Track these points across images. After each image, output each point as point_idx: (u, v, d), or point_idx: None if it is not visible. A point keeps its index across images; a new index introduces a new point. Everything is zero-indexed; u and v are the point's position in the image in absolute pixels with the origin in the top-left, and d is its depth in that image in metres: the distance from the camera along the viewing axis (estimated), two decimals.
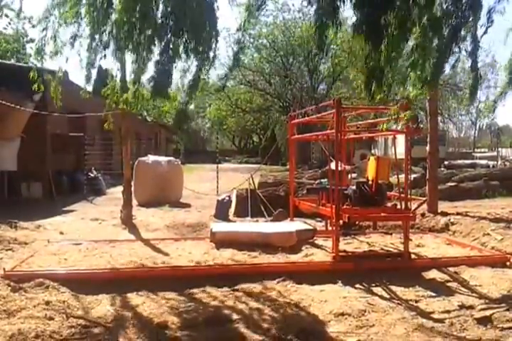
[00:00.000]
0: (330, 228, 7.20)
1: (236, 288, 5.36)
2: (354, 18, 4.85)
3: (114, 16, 5.08)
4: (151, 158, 14.10)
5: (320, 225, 8.42)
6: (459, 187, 14.05)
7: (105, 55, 5.42)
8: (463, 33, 4.79)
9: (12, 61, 24.33)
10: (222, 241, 7.09)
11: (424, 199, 9.94)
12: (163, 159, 14.44)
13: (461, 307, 4.81)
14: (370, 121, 8.40)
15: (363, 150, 23.69)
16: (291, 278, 5.59)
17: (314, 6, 4.83)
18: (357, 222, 8.77)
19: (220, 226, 7.90)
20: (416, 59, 4.76)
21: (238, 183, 12.34)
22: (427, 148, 10.53)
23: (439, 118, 27.52)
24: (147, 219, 10.24)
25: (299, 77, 34.34)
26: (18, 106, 12.10)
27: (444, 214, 9.58)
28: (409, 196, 6.65)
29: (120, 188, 10.16)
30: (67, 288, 5.15)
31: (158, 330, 4.23)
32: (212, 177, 17.11)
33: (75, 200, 13.92)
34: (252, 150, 53.79)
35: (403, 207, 6.53)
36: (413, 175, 11.23)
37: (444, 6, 4.74)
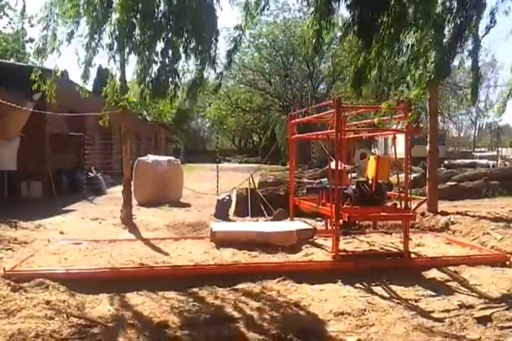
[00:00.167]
0: (330, 227, 7.20)
1: (236, 287, 5.37)
2: (348, 18, 4.87)
3: (114, 16, 5.09)
4: (150, 157, 14.10)
5: (320, 225, 8.41)
6: (458, 186, 14.06)
7: (105, 54, 5.44)
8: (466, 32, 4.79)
9: (12, 60, 24.34)
10: (222, 241, 7.09)
11: (424, 198, 9.96)
12: (163, 159, 14.43)
13: (461, 306, 4.80)
14: (370, 120, 8.40)
15: (363, 149, 23.67)
16: (291, 278, 5.58)
17: (312, 9, 4.84)
18: (357, 222, 8.76)
19: (220, 226, 7.91)
20: (416, 57, 4.75)
21: (238, 183, 12.33)
22: (427, 147, 10.53)
23: (439, 117, 27.55)
24: (147, 218, 10.24)
25: (299, 77, 34.33)
26: (18, 106, 12.10)
27: (444, 213, 9.58)
28: (409, 195, 6.65)
29: (120, 188, 10.16)
30: (67, 288, 5.13)
31: (158, 330, 4.22)
32: (212, 177, 17.08)
33: (74, 200, 13.91)
34: (252, 150, 53.81)
35: (403, 206, 6.53)
36: (413, 175, 11.23)
37: (448, 4, 4.73)
